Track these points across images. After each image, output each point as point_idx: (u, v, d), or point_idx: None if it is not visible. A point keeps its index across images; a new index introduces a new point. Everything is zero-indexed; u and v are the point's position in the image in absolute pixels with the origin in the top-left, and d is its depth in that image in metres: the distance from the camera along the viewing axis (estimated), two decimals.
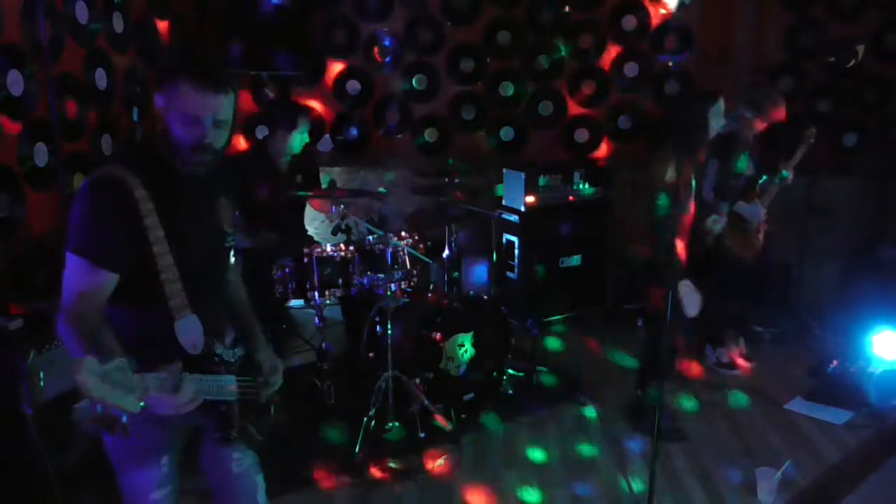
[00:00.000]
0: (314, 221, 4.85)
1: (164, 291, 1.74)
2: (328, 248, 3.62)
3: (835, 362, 4.19)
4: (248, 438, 1.99)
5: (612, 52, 5.52)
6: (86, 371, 1.40)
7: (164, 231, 1.73)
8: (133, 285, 1.76)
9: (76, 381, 1.40)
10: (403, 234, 3.80)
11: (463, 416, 3.78)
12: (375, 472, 3.34)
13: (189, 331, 1.77)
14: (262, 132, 5.31)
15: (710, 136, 3.57)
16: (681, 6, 5.29)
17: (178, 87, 1.71)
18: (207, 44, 4.78)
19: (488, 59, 5.50)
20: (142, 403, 1.51)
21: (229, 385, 1.87)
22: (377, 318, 3.84)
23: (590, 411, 4.00)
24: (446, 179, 4.23)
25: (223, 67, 1.79)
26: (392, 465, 3.39)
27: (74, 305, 1.70)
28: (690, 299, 3.48)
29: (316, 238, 4.45)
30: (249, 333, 2.09)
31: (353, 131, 5.56)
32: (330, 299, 3.72)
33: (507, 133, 5.65)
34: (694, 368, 4.49)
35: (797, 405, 4.03)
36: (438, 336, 3.76)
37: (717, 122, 3.54)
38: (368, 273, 3.63)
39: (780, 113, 4.15)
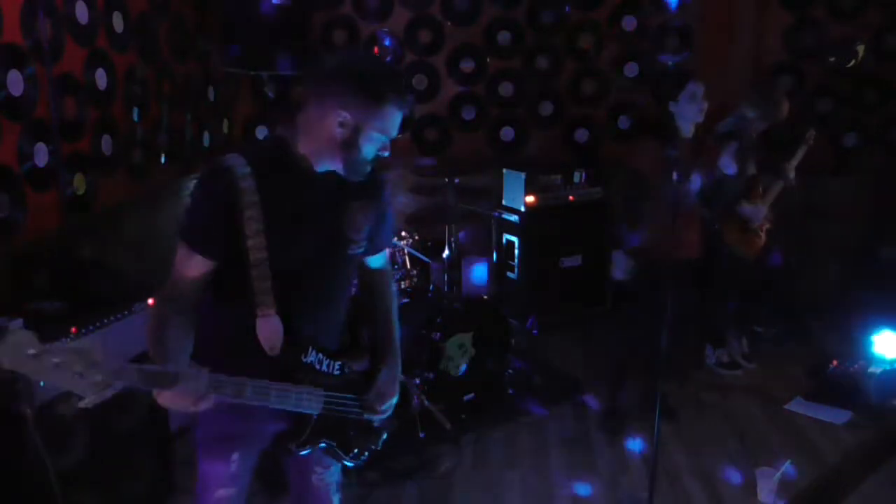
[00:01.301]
0: None
1: (252, 287, 1.70)
2: None
3: (835, 362, 4.18)
4: (328, 454, 1.96)
5: (612, 52, 5.52)
6: (7, 346, 1.37)
7: (266, 226, 1.69)
8: (223, 277, 1.75)
9: None
10: (403, 234, 3.80)
11: (463, 416, 3.78)
12: (375, 473, 3.34)
13: (268, 331, 1.72)
14: (261, 132, 5.32)
15: (685, 119, 3.55)
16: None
17: (383, 106, 1.70)
18: (208, 44, 4.78)
19: (488, 59, 5.50)
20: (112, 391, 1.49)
21: (303, 396, 1.81)
22: None
23: (590, 411, 4.01)
24: (446, 180, 4.24)
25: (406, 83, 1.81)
26: (392, 465, 3.39)
27: (170, 288, 1.72)
28: (619, 263, 3.67)
29: None
30: (378, 352, 2.06)
31: None
32: None
33: (507, 133, 5.65)
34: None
35: (797, 405, 4.04)
36: (438, 336, 3.76)
37: (690, 106, 3.53)
38: None
39: (783, 112, 4.15)
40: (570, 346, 4.84)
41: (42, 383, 2.27)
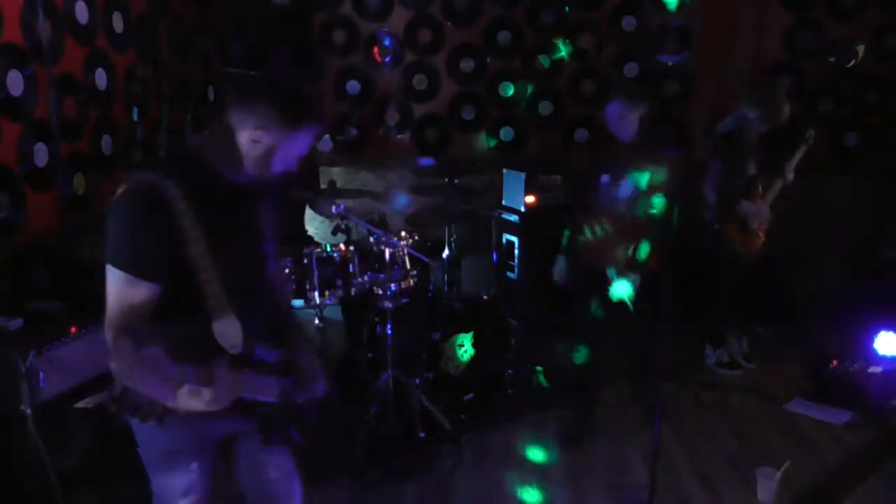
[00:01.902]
0: (314, 221, 4.86)
1: (204, 293, 1.73)
2: (328, 248, 3.62)
3: (835, 362, 4.18)
4: (291, 442, 1.98)
5: (612, 52, 5.52)
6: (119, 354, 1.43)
7: (204, 232, 1.72)
8: (173, 290, 1.75)
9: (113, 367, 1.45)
10: (403, 234, 3.80)
11: (463, 416, 3.78)
12: (375, 473, 3.34)
13: (228, 332, 1.76)
14: None
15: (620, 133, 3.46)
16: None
17: (300, 131, 1.79)
18: (207, 44, 4.79)
19: (488, 59, 5.50)
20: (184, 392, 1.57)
21: (269, 386, 1.86)
22: (377, 319, 3.84)
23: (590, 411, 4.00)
24: (446, 180, 4.24)
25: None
26: (392, 465, 3.39)
27: (119, 320, 1.69)
28: (557, 266, 3.70)
29: (316, 238, 4.45)
30: (288, 336, 2.08)
31: (353, 131, 5.56)
32: (330, 299, 3.71)
33: (507, 133, 5.65)
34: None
35: (797, 405, 4.03)
36: (438, 336, 3.76)
37: (620, 124, 3.44)
38: (368, 273, 3.63)
39: (784, 113, 4.15)
40: (570, 346, 4.83)
41: (41, 380, 2.29)
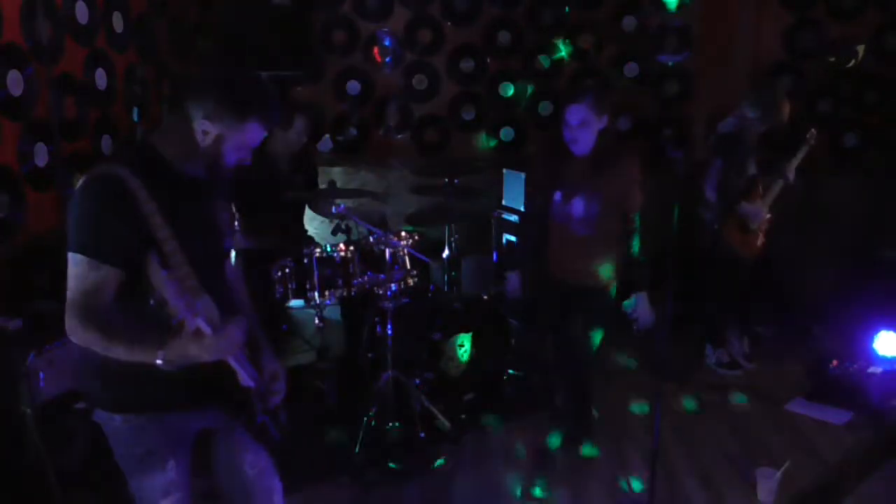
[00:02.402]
0: (314, 221, 4.85)
1: (175, 274, 1.72)
2: (328, 248, 3.62)
3: (835, 362, 4.18)
4: (267, 434, 2.00)
5: (612, 52, 5.52)
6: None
7: (170, 225, 1.75)
8: (141, 275, 1.73)
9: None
10: (403, 234, 3.80)
11: (463, 416, 3.78)
12: (375, 472, 3.34)
13: (206, 310, 1.73)
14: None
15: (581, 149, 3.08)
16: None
17: (247, 122, 1.81)
18: (208, 44, 4.79)
19: (488, 59, 5.50)
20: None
21: (251, 370, 1.89)
22: (377, 319, 3.84)
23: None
24: (446, 180, 4.24)
25: (280, 101, 1.89)
26: (392, 465, 3.39)
27: (82, 304, 1.71)
28: (509, 280, 3.48)
29: (316, 238, 4.45)
30: (251, 338, 2.06)
31: (353, 131, 5.56)
32: (330, 299, 3.71)
33: (507, 133, 5.64)
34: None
35: (797, 405, 4.03)
36: (438, 336, 3.76)
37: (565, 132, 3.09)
38: (368, 273, 3.63)
39: (784, 113, 4.15)
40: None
41: (41, 380, 2.29)
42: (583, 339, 3.27)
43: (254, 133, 1.84)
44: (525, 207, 4.49)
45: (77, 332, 1.70)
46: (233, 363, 1.79)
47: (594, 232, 3.12)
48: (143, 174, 1.74)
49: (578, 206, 3.08)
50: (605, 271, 3.21)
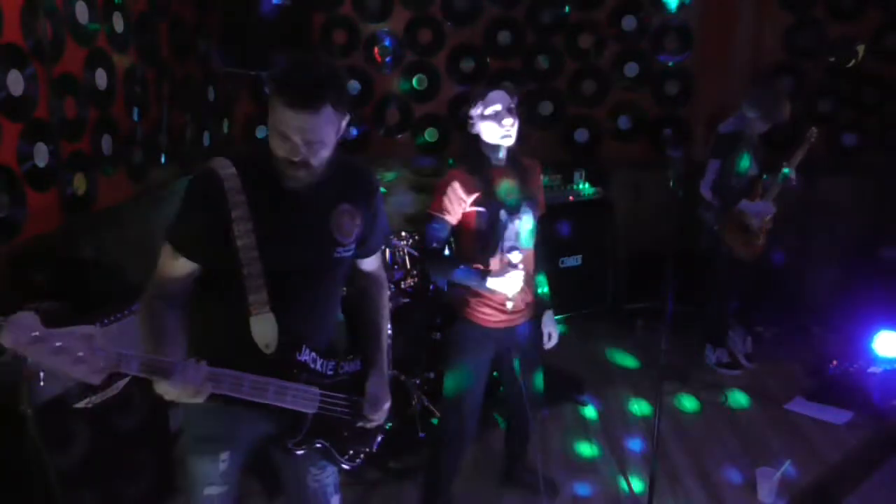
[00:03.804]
0: None
1: (244, 286, 1.73)
2: None
3: (835, 362, 4.19)
4: (324, 455, 1.95)
5: (613, 52, 5.52)
6: (12, 325, 1.39)
7: (255, 226, 1.72)
8: (215, 276, 1.78)
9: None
10: (403, 234, 3.80)
11: None
12: (375, 473, 3.34)
13: (263, 329, 1.75)
14: (262, 132, 5.32)
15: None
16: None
17: (273, 100, 1.67)
18: (208, 44, 4.79)
19: (488, 59, 5.50)
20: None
21: (300, 394, 1.81)
22: None
23: (590, 411, 4.01)
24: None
25: (324, 83, 1.67)
26: (392, 465, 3.39)
27: (155, 286, 1.77)
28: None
29: None
30: (365, 352, 2.04)
31: (353, 131, 5.56)
32: None
33: None
34: None
35: (797, 405, 4.04)
36: (438, 336, 3.76)
37: (489, 126, 2.62)
38: None
39: (784, 113, 4.15)
40: (569, 346, 4.84)
41: (41, 380, 2.29)
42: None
43: (282, 114, 1.64)
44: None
45: (139, 305, 1.76)
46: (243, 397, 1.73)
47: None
48: (247, 169, 1.73)
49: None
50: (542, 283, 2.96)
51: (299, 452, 1.90)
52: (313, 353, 1.86)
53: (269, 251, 1.74)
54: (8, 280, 2.83)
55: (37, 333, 1.41)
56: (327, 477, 2.07)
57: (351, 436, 1.98)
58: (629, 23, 5.45)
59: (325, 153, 1.73)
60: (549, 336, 2.90)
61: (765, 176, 4.31)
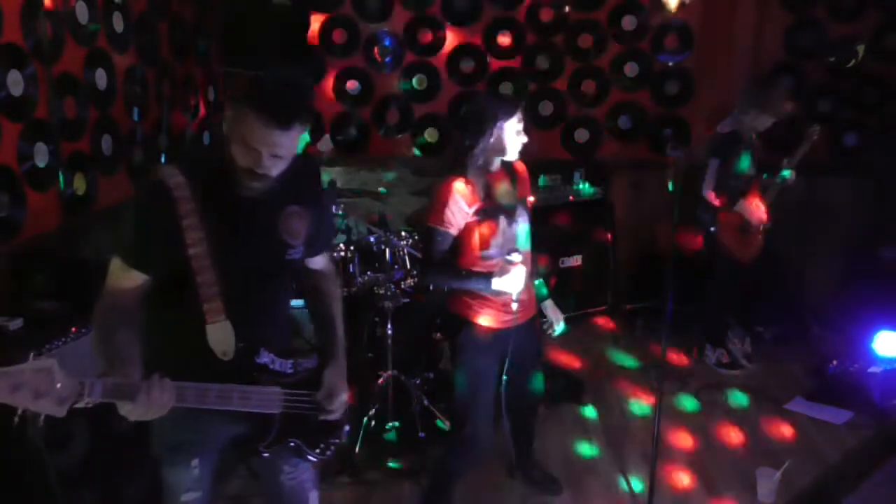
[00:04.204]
0: None
1: (198, 295, 1.73)
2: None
3: (835, 362, 4.18)
4: (300, 453, 1.96)
5: (613, 52, 5.52)
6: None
7: (207, 234, 1.72)
8: (169, 287, 1.77)
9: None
10: (403, 234, 3.80)
11: None
12: (375, 472, 3.34)
13: (220, 337, 1.76)
14: None
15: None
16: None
17: (243, 112, 1.66)
18: (208, 43, 4.79)
19: (488, 59, 5.50)
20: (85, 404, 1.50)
21: (251, 397, 1.81)
22: (377, 319, 3.84)
23: (590, 411, 4.01)
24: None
25: (297, 101, 1.69)
26: (392, 465, 3.39)
27: (107, 298, 1.75)
28: None
29: None
30: (322, 349, 2.05)
31: (353, 131, 5.56)
32: None
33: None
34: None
35: (797, 405, 4.03)
36: (438, 336, 3.76)
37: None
38: (368, 273, 3.63)
39: (784, 106, 4.14)
40: (569, 346, 4.84)
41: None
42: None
43: (252, 128, 1.65)
44: None
45: (92, 323, 1.75)
46: (209, 406, 1.74)
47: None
48: (191, 176, 1.72)
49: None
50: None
51: (266, 455, 1.91)
52: (271, 355, 1.89)
53: (222, 259, 1.74)
54: (8, 280, 2.83)
55: None
56: (303, 473, 2.09)
57: (318, 430, 2.00)
58: (629, 23, 5.45)
59: (285, 165, 1.75)
60: (554, 322, 2.94)
61: (764, 175, 4.31)
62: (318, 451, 1.99)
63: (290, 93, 1.69)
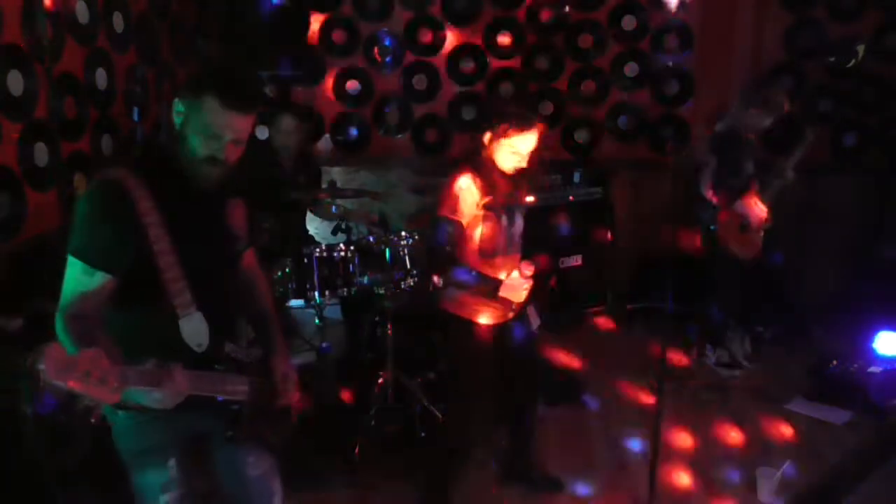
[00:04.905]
0: (314, 221, 4.86)
1: (167, 290, 1.74)
2: (328, 248, 3.62)
3: (835, 362, 4.18)
4: (264, 441, 1.99)
5: (613, 52, 5.52)
6: (48, 358, 1.40)
7: (168, 229, 1.73)
8: (135, 285, 1.76)
9: (38, 371, 1.40)
10: (403, 233, 3.80)
11: None
12: (375, 472, 3.34)
13: (194, 329, 1.78)
14: (262, 133, 5.31)
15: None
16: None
17: (202, 100, 1.71)
18: (208, 44, 4.78)
19: (488, 59, 5.50)
20: (127, 396, 1.53)
21: (236, 385, 1.87)
22: (377, 319, 3.84)
23: (589, 411, 4.00)
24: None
25: (254, 85, 1.80)
26: (392, 465, 3.39)
27: (71, 307, 1.72)
28: None
29: (316, 238, 4.45)
30: (265, 337, 2.09)
31: (353, 131, 5.56)
32: (330, 299, 3.71)
33: None
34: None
35: (797, 405, 4.03)
36: (438, 336, 3.76)
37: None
38: (368, 273, 3.63)
39: (782, 104, 4.14)
40: (569, 346, 4.84)
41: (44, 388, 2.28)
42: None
43: (215, 115, 1.70)
44: None
45: (59, 334, 1.70)
46: (205, 393, 1.77)
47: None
48: (148, 180, 1.73)
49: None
50: None
51: (238, 441, 1.93)
52: (233, 345, 1.92)
53: (186, 252, 1.76)
54: (8, 280, 2.83)
55: (66, 361, 1.42)
56: (265, 462, 2.10)
57: (275, 416, 2.04)
58: (629, 23, 5.45)
59: (241, 151, 1.81)
60: (534, 320, 3.02)
61: (763, 174, 4.31)
62: (277, 437, 2.04)
63: (249, 79, 1.78)
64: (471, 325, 2.79)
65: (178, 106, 1.76)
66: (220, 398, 1.83)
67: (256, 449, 2.05)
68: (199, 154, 1.74)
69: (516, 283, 2.64)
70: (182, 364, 1.69)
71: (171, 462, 1.91)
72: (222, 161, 1.76)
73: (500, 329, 2.81)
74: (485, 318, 2.79)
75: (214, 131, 1.72)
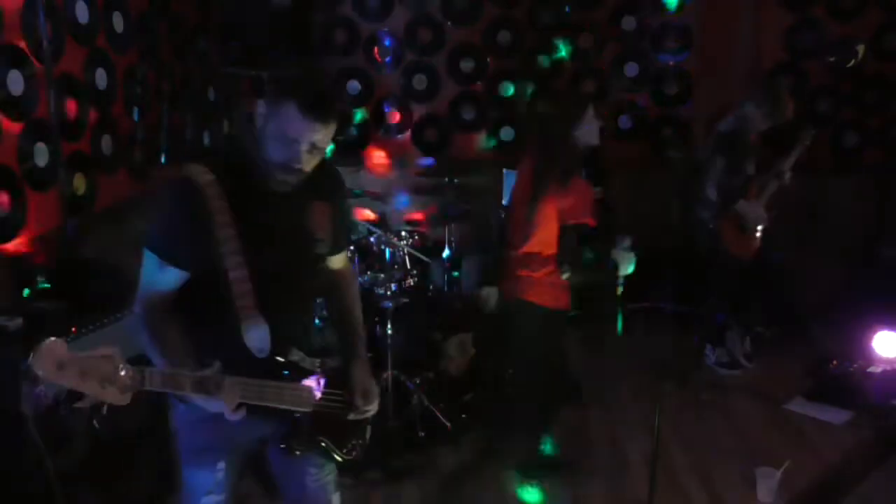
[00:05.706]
0: None
1: (232, 291, 1.73)
2: None
3: (835, 362, 4.18)
4: (323, 453, 1.96)
5: (613, 52, 5.52)
6: (42, 357, 1.40)
7: (237, 231, 1.72)
8: (203, 284, 1.76)
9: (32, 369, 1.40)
10: (403, 233, 3.80)
11: (463, 415, 3.78)
12: (375, 473, 3.34)
13: (255, 334, 1.75)
14: None
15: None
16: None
17: (282, 106, 1.69)
18: (208, 43, 4.78)
19: (488, 59, 5.50)
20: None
21: (298, 394, 1.83)
22: (377, 319, 3.84)
23: (589, 411, 4.00)
24: (446, 180, 4.24)
25: (334, 95, 1.77)
26: (392, 465, 3.39)
27: (145, 298, 1.75)
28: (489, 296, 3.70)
29: None
30: (345, 347, 2.05)
31: (353, 131, 5.56)
32: None
33: (507, 133, 5.64)
34: None
35: (797, 405, 4.03)
36: (438, 336, 3.76)
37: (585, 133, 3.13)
38: (368, 272, 3.63)
39: (788, 112, 4.14)
40: (570, 347, 4.83)
41: (41, 386, 2.29)
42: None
43: (292, 122, 1.68)
44: None
45: (139, 322, 1.75)
46: (263, 403, 1.74)
47: None
48: (219, 172, 1.72)
49: None
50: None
51: (298, 453, 1.90)
52: (301, 352, 1.88)
53: (255, 255, 1.74)
54: (8, 280, 2.83)
55: (61, 360, 1.41)
56: (327, 475, 2.07)
57: (346, 430, 1.99)
58: (629, 23, 5.45)
59: (319, 159, 1.78)
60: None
61: (761, 174, 4.31)
62: (345, 451, 1.99)
63: (330, 89, 1.78)
64: (536, 306, 3.13)
65: (261, 108, 1.75)
66: (278, 405, 1.79)
67: (318, 460, 2.02)
68: (276, 159, 1.73)
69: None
70: (241, 369, 1.69)
71: (221, 465, 1.92)
72: (298, 169, 1.74)
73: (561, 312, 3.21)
74: (553, 301, 3.17)
75: (292, 136, 1.70)
